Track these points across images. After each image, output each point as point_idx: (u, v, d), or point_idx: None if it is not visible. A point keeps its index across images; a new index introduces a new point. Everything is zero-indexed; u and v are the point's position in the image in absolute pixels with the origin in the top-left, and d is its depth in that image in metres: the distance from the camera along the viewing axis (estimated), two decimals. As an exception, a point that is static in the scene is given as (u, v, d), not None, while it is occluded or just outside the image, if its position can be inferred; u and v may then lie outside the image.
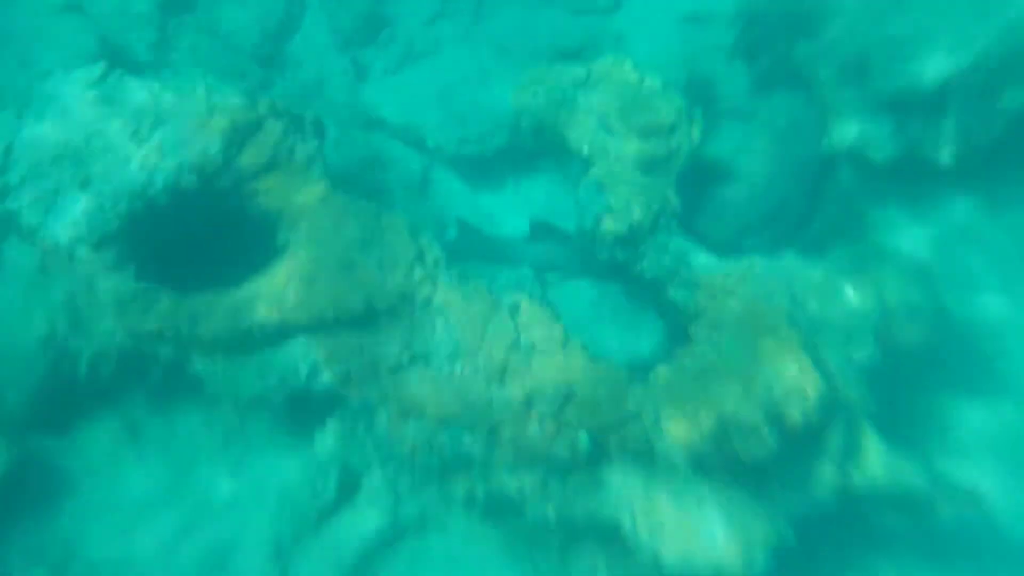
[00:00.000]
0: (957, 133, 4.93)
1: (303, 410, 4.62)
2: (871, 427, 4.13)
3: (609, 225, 4.90)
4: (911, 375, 4.76)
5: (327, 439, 4.59)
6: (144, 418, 4.93)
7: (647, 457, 3.90)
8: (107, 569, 4.40)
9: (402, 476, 4.49)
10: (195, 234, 4.90)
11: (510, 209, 6.66)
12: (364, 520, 4.53)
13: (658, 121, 5.30)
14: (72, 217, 4.56)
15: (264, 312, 4.33)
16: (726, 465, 3.81)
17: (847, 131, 5.33)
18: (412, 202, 6.56)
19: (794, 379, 3.87)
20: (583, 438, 3.88)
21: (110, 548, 4.46)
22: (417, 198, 6.70)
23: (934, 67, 4.85)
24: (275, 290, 4.35)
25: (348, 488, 4.59)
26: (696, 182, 5.44)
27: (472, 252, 5.90)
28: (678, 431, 3.82)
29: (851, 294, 4.53)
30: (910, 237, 5.43)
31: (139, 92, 5.05)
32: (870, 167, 5.33)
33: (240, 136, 4.96)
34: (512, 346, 4.13)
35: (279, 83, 7.64)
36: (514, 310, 4.31)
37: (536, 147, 6.35)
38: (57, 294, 4.82)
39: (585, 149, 5.50)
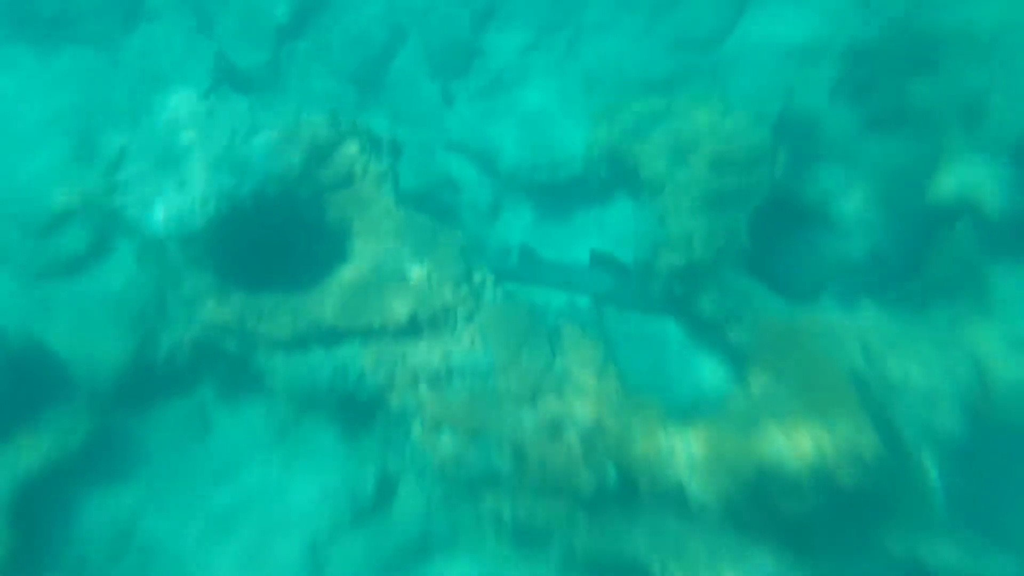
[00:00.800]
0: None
1: (351, 411, 4.84)
2: (942, 500, 3.81)
3: (666, 257, 4.84)
4: (1012, 456, 4.31)
5: (369, 443, 4.76)
6: (213, 406, 5.32)
7: (679, 502, 3.78)
8: (164, 542, 4.74)
9: (436, 487, 4.59)
10: (274, 239, 5.29)
11: (577, 238, 6.70)
12: (396, 527, 4.65)
13: (734, 156, 5.17)
14: (167, 215, 5.03)
15: (322, 316, 4.58)
16: (764, 520, 3.62)
17: (958, 177, 4.88)
18: (479, 224, 6.75)
19: (848, 439, 3.62)
20: (611, 470, 3.84)
21: (167, 521, 4.80)
22: (485, 220, 6.89)
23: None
24: (333, 297, 4.60)
25: (384, 493, 4.73)
26: (780, 223, 5.20)
27: (532, 277, 5.99)
28: (714, 481, 3.68)
29: (938, 359, 4.17)
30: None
31: (239, 107, 5.53)
32: (987, 220, 4.83)
33: (322, 152, 5.33)
34: (546, 369, 4.18)
35: (372, 106, 8.10)
36: (554, 334, 4.36)
37: (609, 178, 6.40)
38: (148, 284, 5.33)
39: (655, 180, 5.49)
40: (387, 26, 8.38)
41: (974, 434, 3.94)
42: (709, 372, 5.06)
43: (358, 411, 4.80)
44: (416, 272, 4.62)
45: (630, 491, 3.91)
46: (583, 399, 4.04)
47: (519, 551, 4.40)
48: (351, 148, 5.38)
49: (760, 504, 3.62)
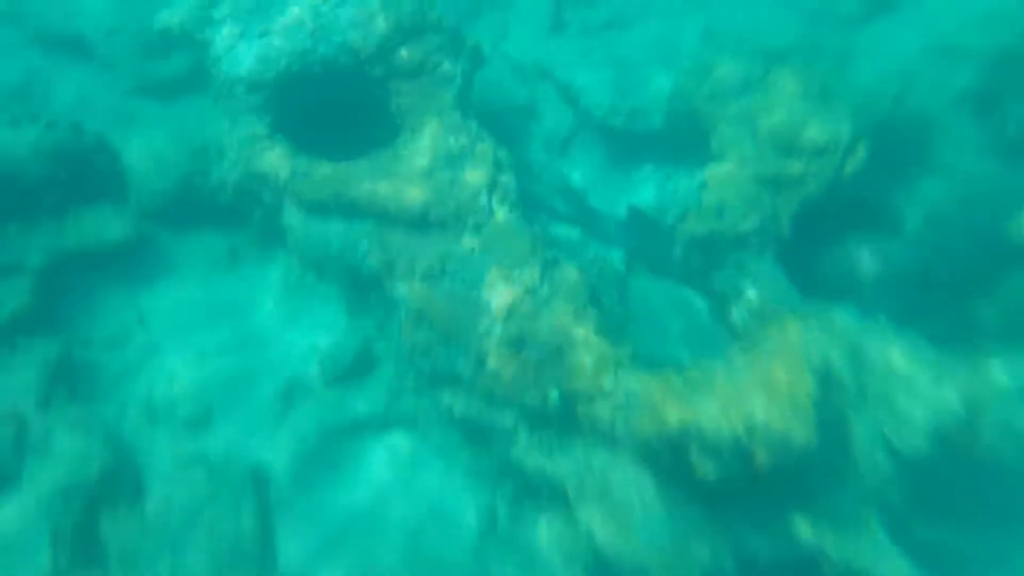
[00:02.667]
0: None
1: (354, 285, 5.08)
2: (876, 513, 3.73)
3: (690, 224, 4.74)
4: (980, 499, 4.19)
5: (362, 318, 5.00)
6: (241, 246, 5.69)
7: (609, 440, 3.84)
8: (161, 351, 5.20)
9: (408, 372, 4.79)
10: (336, 107, 5.50)
11: (636, 190, 6.58)
12: (361, 399, 4.90)
13: (803, 141, 4.91)
14: (242, 59, 5.31)
15: (346, 189, 4.78)
16: (680, 474, 3.65)
17: None
18: (545, 155, 6.72)
19: (780, 421, 3.59)
20: (554, 395, 3.93)
21: (168, 336, 5.25)
22: (553, 153, 6.84)
23: None
24: (361, 174, 4.77)
25: (362, 367, 4.98)
26: (834, 220, 4.97)
27: (572, 218, 5.97)
28: (640, 424, 3.71)
29: (929, 384, 4.01)
30: None
31: (337, -25, 5.68)
32: None
33: (401, 36, 5.42)
34: (530, 292, 4.22)
35: (486, 14, 8.08)
36: (551, 264, 4.38)
37: (687, 136, 6.18)
38: (218, 121, 5.67)
39: (720, 147, 5.30)
40: (524, -58, 8.23)
41: (940, 461, 3.87)
42: (703, 344, 4.96)
43: (360, 286, 5.03)
44: (444, 173, 4.70)
45: (570, 418, 3.98)
46: (553, 325, 4.08)
47: (463, 448, 4.58)
48: (430, 41, 5.44)
49: (677, 456, 3.68)
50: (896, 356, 4.08)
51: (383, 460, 4.81)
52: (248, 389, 5.05)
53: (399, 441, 4.84)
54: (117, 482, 4.55)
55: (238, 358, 5.17)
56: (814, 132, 4.88)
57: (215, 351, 5.19)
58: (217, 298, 5.46)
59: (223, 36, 5.46)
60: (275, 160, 5.05)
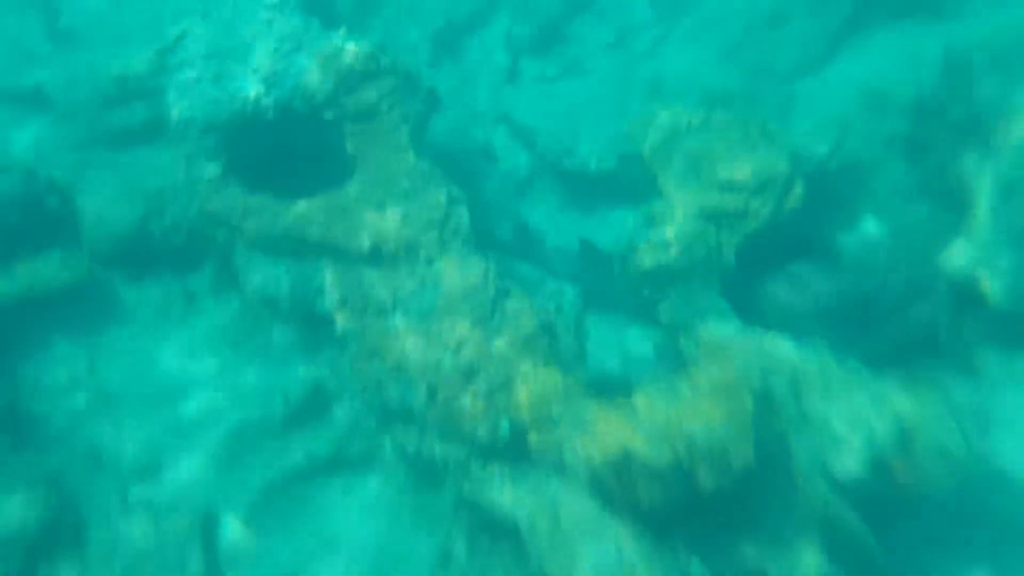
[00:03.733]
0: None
1: (308, 323, 5.06)
2: (817, 538, 3.73)
3: (638, 257, 4.85)
4: (913, 521, 4.25)
5: (316, 356, 4.97)
6: (196, 289, 5.64)
7: (559, 470, 3.83)
8: (113, 396, 5.10)
9: (361, 409, 4.75)
10: (291, 152, 5.57)
11: (590, 229, 6.70)
12: (314, 440, 4.84)
13: (743, 179, 5.16)
14: (196, 103, 5.38)
15: (298, 226, 4.82)
16: (627, 499, 3.65)
17: (963, 253, 4.81)
18: (501, 195, 6.85)
19: (721, 444, 3.63)
20: (504, 426, 3.92)
21: (121, 381, 5.15)
22: (511, 195, 6.97)
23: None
24: (314, 211, 4.82)
25: (315, 408, 4.93)
26: (778, 253, 5.16)
27: (529, 256, 6.05)
28: (587, 453, 3.72)
29: (866, 408, 4.07)
30: (995, 391, 4.79)
31: (296, 22, 5.84)
32: (985, 302, 4.74)
33: (356, 80, 5.55)
34: (481, 323, 4.25)
35: (445, 65, 8.33)
36: (502, 296, 4.43)
37: (639, 179, 6.38)
38: (171, 165, 5.71)
39: (667, 186, 5.48)
40: (483, -7, 8.56)
41: (879, 487, 3.91)
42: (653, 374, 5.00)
43: (314, 324, 5.02)
44: (396, 209, 4.77)
45: (521, 449, 3.98)
46: (502, 357, 4.10)
47: (419, 486, 4.53)
48: (384, 83, 5.57)
49: (623, 483, 3.69)
50: (834, 382, 4.15)
51: (337, 503, 4.73)
52: (198, 433, 4.96)
53: (353, 481, 4.76)
54: (59, 532, 4.41)
55: (184, 404, 5.09)
56: (753, 170, 5.11)
57: (166, 395, 5.10)
58: (168, 342, 5.40)
59: (178, 81, 5.55)
60: (228, 201, 5.08)
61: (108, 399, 5.07)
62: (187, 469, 4.85)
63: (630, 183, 6.48)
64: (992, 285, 4.61)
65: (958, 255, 4.75)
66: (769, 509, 3.78)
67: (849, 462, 3.90)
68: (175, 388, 5.13)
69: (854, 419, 4.04)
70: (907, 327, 4.83)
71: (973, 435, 4.16)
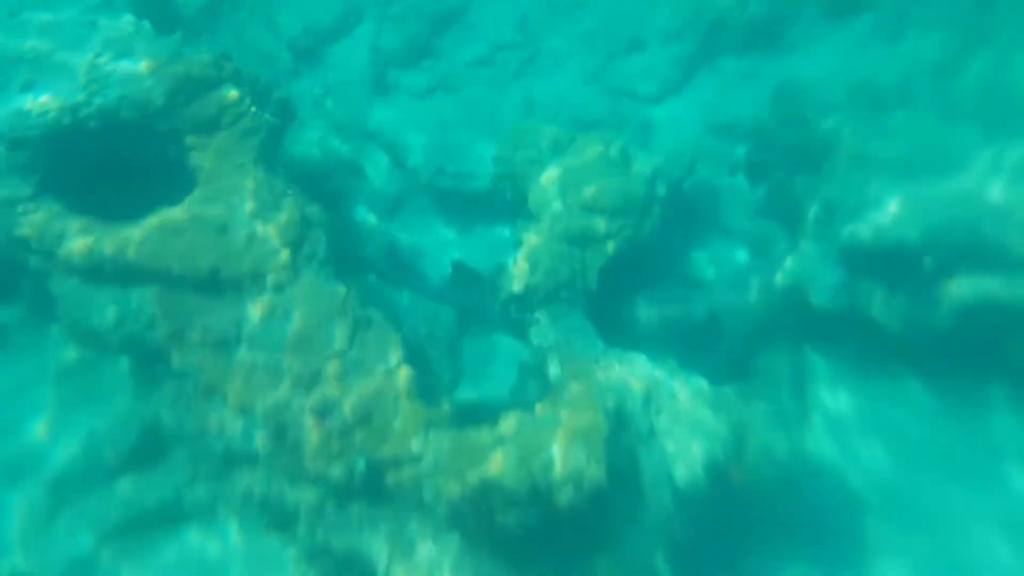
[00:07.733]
0: (898, 306, 4.60)
1: (139, 357, 4.49)
2: (662, 550, 3.75)
3: (505, 280, 4.70)
4: (745, 520, 4.35)
5: (149, 395, 4.41)
6: (12, 326, 4.92)
7: (418, 506, 3.56)
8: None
9: (203, 456, 4.25)
10: (120, 165, 4.97)
11: (465, 249, 6.49)
12: (148, 489, 4.27)
13: (606, 201, 5.25)
14: (1, 115, 4.68)
15: (125, 250, 4.26)
16: (485, 529, 3.52)
17: (796, 267, 5.10)
18: (371, 215, 6.50)
19: (574, 463, 3.58)
20: (360, 465, 3.60)
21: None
22: (381, 214, 6.62)
23: (875, 228, 4.63)
24: (144, 233, 4.28)
25: (149, 453, 4.36)
26: (637, 274, 5.32)
27: (401, 279, 5.75)
28: (445, 487, 3.50)
29: (707, 419, 4.20)
30: (821, 391, 5.15)
31: (123, 24, 5.25)
32: (812, 311, 5.02)
33: (192, 90, 5.04)
34: (336, 356, 3.90)
35: (306, 75, 7.88)
36: (362, 325, 4.09)
37: (512, 199, 6.27)
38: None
39: (536, 208, 5.43)
40: (345, 1, 8.21)
41: (716, 492, 4.04)
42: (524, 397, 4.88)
43: (147, 359, 4.45)
44: (238, 230, 4.32)
45: (379, 487, 3.74)
46: (359, 392, 3.77)
47: (268, 534, 4.13)
48: (226, 93, 5.09)
49: (480, 513, 3.58)
50: (682, 396, 4.26)
51: (175, 560, 4.18)
52: (12, 488, 4.29)
53: (194, 535, 4.24)
54: None
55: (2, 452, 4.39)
56: (614, 193, 5.21)
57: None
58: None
59: (-19, 88, 4.82)
60: (40, 223, 4.43)
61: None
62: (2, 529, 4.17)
63: (503, 202, 6.37)
64: (816, 295, 4.93)
65: (789, 271, 5.06)
66: (622, 524, 3.78)
67: (690, 470, 3.98)
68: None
69: (695, 430, 4.15)
70: (735, 342, 5.17)
71: (795, 436, 4.58)
